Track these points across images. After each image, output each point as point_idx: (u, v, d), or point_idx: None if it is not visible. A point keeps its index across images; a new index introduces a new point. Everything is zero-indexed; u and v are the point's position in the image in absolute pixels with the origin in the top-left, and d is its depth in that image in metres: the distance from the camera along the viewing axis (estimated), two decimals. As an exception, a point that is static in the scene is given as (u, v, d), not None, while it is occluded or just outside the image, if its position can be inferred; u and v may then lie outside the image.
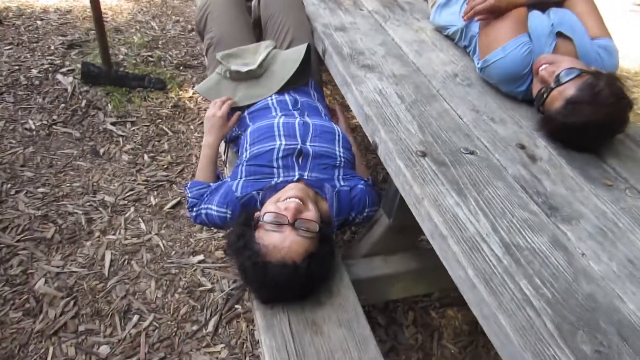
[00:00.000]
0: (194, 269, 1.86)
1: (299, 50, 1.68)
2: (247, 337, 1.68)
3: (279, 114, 1.52)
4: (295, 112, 1.54)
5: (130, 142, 2.37)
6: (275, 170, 1.38)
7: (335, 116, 1.76)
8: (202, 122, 2.54)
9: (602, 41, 1.51)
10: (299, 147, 1.40)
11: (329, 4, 1.99)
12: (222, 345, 1.65)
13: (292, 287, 1.19)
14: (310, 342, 1.18)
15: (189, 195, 1.46)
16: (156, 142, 2.39)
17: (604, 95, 1.26)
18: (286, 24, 1.79)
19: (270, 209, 1.22)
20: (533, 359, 0.82)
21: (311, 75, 1.75)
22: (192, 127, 2.52)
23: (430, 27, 1.92)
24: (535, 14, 1.55)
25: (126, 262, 1.85)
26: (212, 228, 1.79)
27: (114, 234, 1.93)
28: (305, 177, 1.37)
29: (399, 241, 1.52)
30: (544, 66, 1.38)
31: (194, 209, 1.44)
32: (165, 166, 2.26)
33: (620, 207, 1.19)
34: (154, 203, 2.08)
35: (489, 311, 0.91)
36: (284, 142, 1.40)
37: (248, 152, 1.42)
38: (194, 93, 2.74)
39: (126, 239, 1.92)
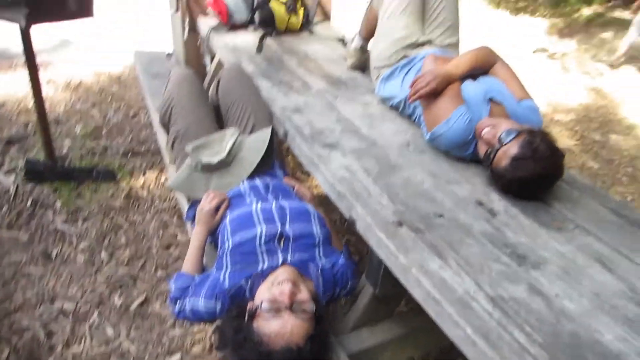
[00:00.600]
0: (172, 370, 1.82)
1: (264, 135, 1.79)
2: None
3: (254, 200, 1.59)
4: (269, 197, 1.62)
5: (85, 239, 2.31)
6: (259, 256, 1.43)
7: (299, 191, 1.86)
8: (157, 211, 2.54)
9: (527, 102, 1.75)
10: (279, 231, 1.47)
11: (281, 88, 2.14)
12: None
13: None
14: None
15: (173, 288, 1.47)
16: (112, 237, 2.35)
17: (541, 150, 1.47)
18: (247, 110, 1.89)
19: (265, 296, 1.27)
20: (543, 402, 0.92)
21: (275, 156, 1.85)
22: (148, 216, 2.50)
23: (375, 100, 2.11)
24: (466, 84, 1.77)
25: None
26: (195, 322, 1.78)
27: (78, 345, 1.85)
28: (289, 260, 1.43)
29: (382, 310, 1.60)
30: (486, 130, 1.58)
31: (177, 302, 1.45)
32: (125, 262, 2.22)
33: (574, 246, 1.37)
34: (118, 304, 2.03)
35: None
36: (264, 228, 1.46)
37: (230, 241, 1.47)
38: (145, 181, 2.74)
39: (92, 349, 1.84)
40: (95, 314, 1.97)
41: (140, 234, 2.39)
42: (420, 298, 1.19)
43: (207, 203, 1.62)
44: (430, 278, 1.18)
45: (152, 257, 2.26)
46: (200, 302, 1.39)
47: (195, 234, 1.61)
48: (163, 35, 3.98)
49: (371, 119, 1.94)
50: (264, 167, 1.77)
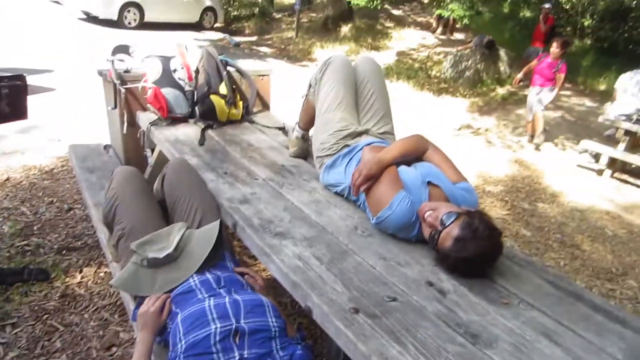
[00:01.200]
0: None
1: (212, 228, 1.79)
2: None
3: (206, 296, 1.56)
4: (221, 291, 1.60)
5: (14, 348, 2.13)
6: (214, 355, 1.39)
7: (250, 279, 1.84)
8: (96, 309, 2.41)
9: (462, 184, 1.89)
10: (234, 327, 1.45)
11: (227, 179, 2.17)
12: None
13: None
14: None
15: None
16: (46, 342, 2.18)
17: (480, 230, 1.57)
18: (194, 204, 1.90)
19: None
20: None
21: (224, 248, 1.85)
22: (86, 315, 2.36)
23: (320, 186, 2.19)
24: (403, 170, 1.90)
25: None
26: None
27: None
28: (246, 357, 1.40)
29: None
30: (428, 213, 1.68)
31: None
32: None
33: (521, 321, 1.43)
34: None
35: None
36: (219, 326, 1.44)
37: (183, 342, 1.42)
38: (82, 278, 2.60)
39: None
40: None
41: (77, 336, 2.24)
42: (383, 387, 1.20)
43: (150, 305, 1.58)
44: (391, 366, 1.20)
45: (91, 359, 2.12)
46: None
47: (141, 340, 1.54)
48: (97, 129, 3.97)
49: (318, 205, 2.01)
50: (214, 260, 1.76)
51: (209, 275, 1.68)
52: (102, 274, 2.66)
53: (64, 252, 2.82)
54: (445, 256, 1.62)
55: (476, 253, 1.57)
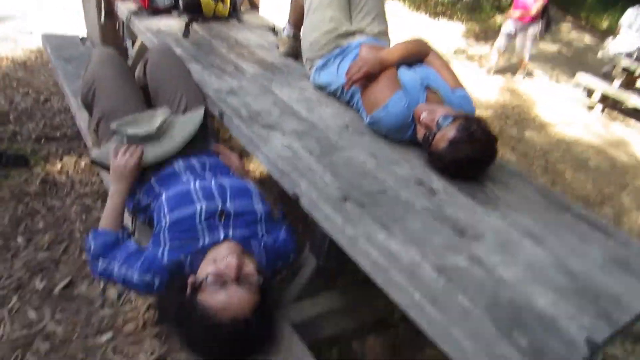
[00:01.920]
0: (103, 349, 1.72)
1: (197, 114, 1.72)
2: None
3: (191, 178, 1.53)
4: (206, 175, 1.57)
5: (-3, 225, 2.11)
6: (199, 232, 1.39)
7: (225, 156, 1.79)
8: (78, 196, 2.38)
9: (461, 91, 1.83)
10: (220, 207, 1.43)
11: (214, 71, 2.07)
12: None
13: (247, 343, 1.21)
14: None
15: (93, 245, 1.39)
16: (29, 222, 2.17)
17: (477, 134, 1.54)
18: (178, 90, 1.82)
19: (210, 269, 1.23)
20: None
21: (210, 136, 1.80)
22: (68, 201, 2.34)
23: (310, 85, 2.11)
24: (403, 71, 1.82)
25: (20, 358, 1.63)
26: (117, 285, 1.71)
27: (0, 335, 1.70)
28: (231, 235, 1.40)
29: (324, 282, 1.61)
30: (424, 114, 1.63)
31: (100, 261, 1.36)
32: (45, 246, 2.06)
33: (507, 222, 1.45)
34: (40, 287, 1.88)
35: (440, 327, 1.05)
36: (204, 205, 1.42)
37: (167, 218, 1.41)
38: (62, 167, 2.55)
39: (14, 332, 1.70)
40: (15, 298, 1.82)
41: (60, 219, 2.23)
42: (368, 267, 1.21)
43: (126, 158, 1.56)
44: (377, 248, 1.20)
45: (74, 240, 2.12)
46: (134, 275, 1.31)
47: (117, 192, 1.53)
48: (72, 22, 3.73)
49: (308, 103, 1.94)
50: (198, 145, 1.71)
51: (194, 161, 1.64)
52: (82, 164, 2.60)
53: (42, 141, 2.74)
54: (438, 157, 1.60)
55: (470, 156, 1.55)
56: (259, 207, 1.50)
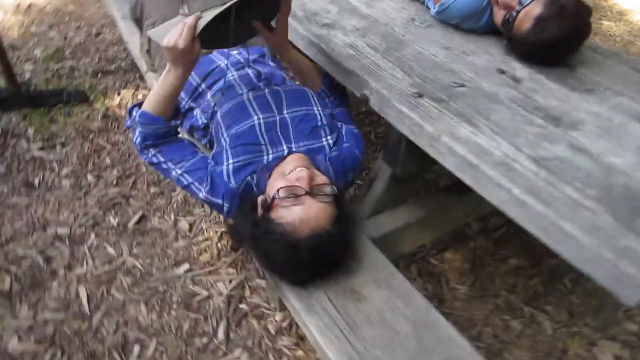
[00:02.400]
0: (182, 280, 1.73)
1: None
2: (262, 334, 1.59)
3: (245, 90, 1.42)
4: (261, 84, 1.46)
5: (67, 164, 2.14)
6: (263, 147, 1.30)
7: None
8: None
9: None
10: (277, 118, 1.33)
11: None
12: (240, 349, 1.55)
13: (329, 257, 1.14)
14: (356, 310, 1.14)
15: (141, 128, 1.25)
16: (96, 159, 2.18)
17: (568, 7, 1.32)
18: None
19: (281, 184, 1.14)
20: (609, 253, 0.83)
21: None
22: (130, 135, 2.32)
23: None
24: None
25: (105, 293, 1.67)
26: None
27: (81, 267, 1.74)
28: (294, 150, 1.30)
29: (400, 192, 1.51)
30: None
31: (150, 151, 1.28)
32: (114, 182, 2.07)
33: (608, 106, 1.25)
34: (115, 223, 1.90)
35: (547, 222, 0.91)
36: (261, 117, 1.31)
37: (226, 135, 1.32)
38: (121, 100, 2.53)
39: (97, 268, 1.74)
40: (92, 235, 1.85)
41: (125, 154, 2.23)
42: (454, 166, 1.08)
43: (177, 37, 1.12)
44: (463, 145, 1.07)
45: (141, 174, 2.12)
46: (200, 191, 1.26)
47: (172, 74, 1.21)
48: None
49: (370, -2, 1.75)
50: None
51: (249, 71, 1.52)
52: (140, 96, 2.57)
53: (99, 75, 2.72)
54: (522, 41, 1.39)
55: (560, 34, 1.33)
56: (318, 109, 1.38)
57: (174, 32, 1.12)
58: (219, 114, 1.38)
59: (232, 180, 1.24)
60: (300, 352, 1.56)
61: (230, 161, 1.26)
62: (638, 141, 1.12)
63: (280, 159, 1.27)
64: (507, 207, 0.98)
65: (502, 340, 1.67)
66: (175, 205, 2.00)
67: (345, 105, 1.51)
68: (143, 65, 1.88)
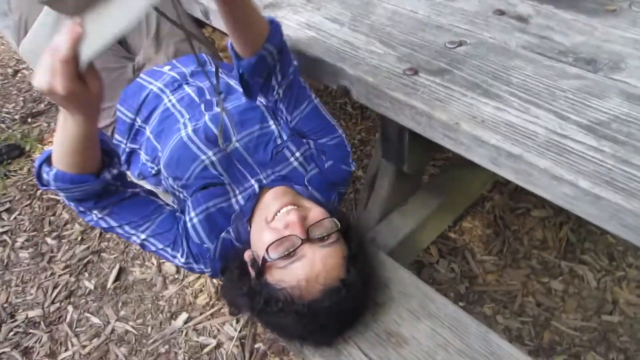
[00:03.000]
0: (184, 333, 1.46)
1: None
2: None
3: (184, 122, 1.08)
4: (203, 107, 1.11)
5: (20, 233, 1.81)
6: (227, 187, 0.99)
7: None
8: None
9: None
10: (228, 151, 1.01)
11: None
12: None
13: (354, 308, 0.87)
14: (399, 357, 0.88)
15: (63, 192, 0.84)
16: (52, 217, 1.85)
17: None
18: None
19: (268, 238, 0.84)
20: None
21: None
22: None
23: None
24: None
25: (101, 373, 1.40)
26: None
27: (66, 351, 1.45)
28: (265, 182, 1.00)
29: (408, 186, 1.22)
30: None
31: (91, 214, 0.90)
32: (78, 239, 1.75)
33: (642, 27, 0.97)
34: (92, 287, 1.61)
35: (632, 218, 0.64)
36: (210, 154, 0.99)
37: (177, 186, 1.00)
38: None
39: (84, 347, 1.46)
40: (70, 309, 1.55)
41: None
42: (486, 159, 0.79)
43: (61, 74, 0.61)
44: (490, 129, 0.78)
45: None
46: (177, 261, 0.96)
47: (70, 124, 0.72)
48: None
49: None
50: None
51: (188, 89, 1.15)
52: None
53: (28, 119, 2.33)
54: None
55: None
56: (273, 124, 1.06)
57: (43, 66, 0.62)
58: (161, 163, 1.06)
59: (205, 240, 0.94)
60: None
61: (193, 214, 0.95)
62: (699, 65, 0.85)
63: (253, 198, 0.97)
64: (574, 204, 0.71)
65: (547, 307, 1.46)
66: (154, 247, 1.70)
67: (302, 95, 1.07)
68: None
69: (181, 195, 0.99)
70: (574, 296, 1.48)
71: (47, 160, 0.80)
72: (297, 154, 1.02)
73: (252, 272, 0.86)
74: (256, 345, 1.42)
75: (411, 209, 1.24)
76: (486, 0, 1.11)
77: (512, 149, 0.74)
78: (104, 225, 0.92)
